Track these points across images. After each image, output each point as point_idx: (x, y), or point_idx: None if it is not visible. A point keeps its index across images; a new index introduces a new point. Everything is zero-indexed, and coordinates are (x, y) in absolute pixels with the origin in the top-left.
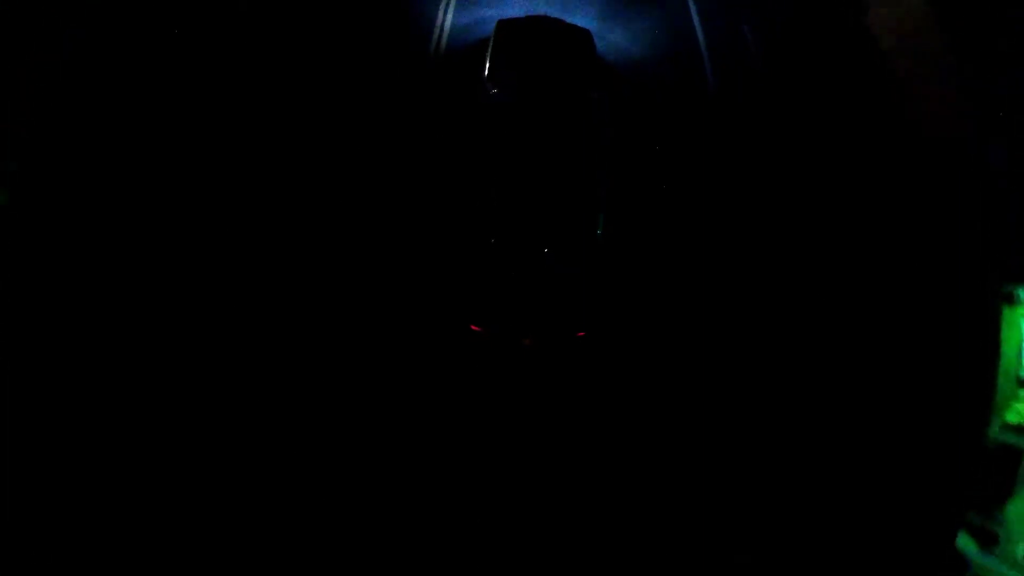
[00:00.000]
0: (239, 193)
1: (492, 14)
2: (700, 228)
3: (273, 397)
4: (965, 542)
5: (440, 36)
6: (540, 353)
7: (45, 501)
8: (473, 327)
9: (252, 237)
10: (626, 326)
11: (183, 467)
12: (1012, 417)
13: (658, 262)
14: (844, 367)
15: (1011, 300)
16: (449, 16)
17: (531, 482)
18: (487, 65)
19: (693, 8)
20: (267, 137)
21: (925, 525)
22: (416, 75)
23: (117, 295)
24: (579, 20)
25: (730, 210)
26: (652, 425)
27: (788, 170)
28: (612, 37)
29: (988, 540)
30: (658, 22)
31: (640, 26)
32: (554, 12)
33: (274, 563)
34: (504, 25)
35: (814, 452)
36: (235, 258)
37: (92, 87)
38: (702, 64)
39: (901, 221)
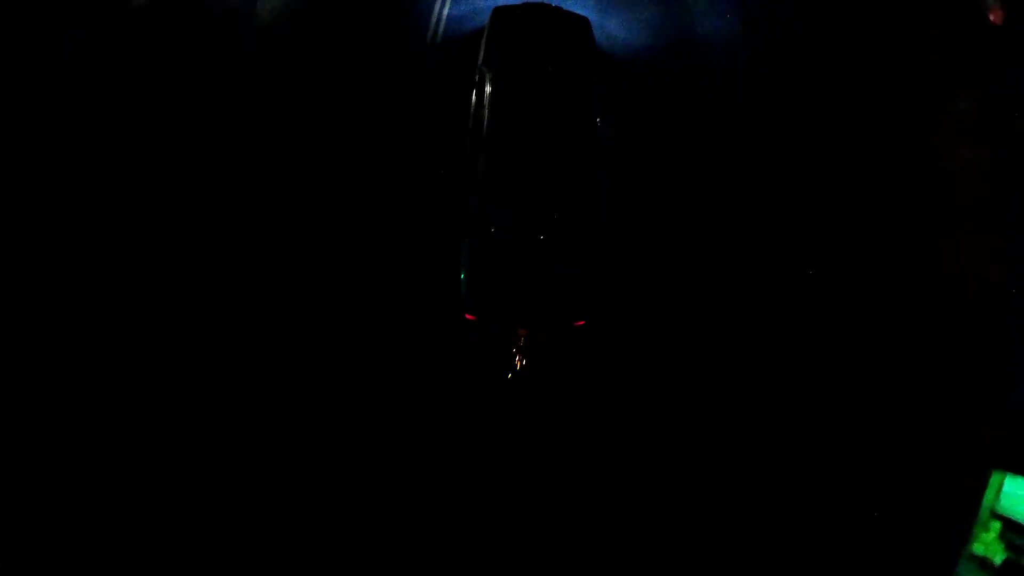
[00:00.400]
0: (238, 178)
1: (491, 3)
2: (699, 220)
3: (266, 384)
4: None
5: (437, 26)
6: (536, 342)
7: (44, 501)
8: (468, 316)
9: (249, 223)
10: (626, 316)
11: (171, 463)
12: (978, 548)
13: (657, 253)
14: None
15: None
16: (447, 6)
17: (528, 466)
18: (481, 52)
19: None
20: (265, 130)
21: None
22: (413, 65)
23: (115, 295)
24: (577, 8)
25: (729, 202)
26: (651, 415)
27: (787, 163)
28: (611, 26)
29: None
30: (657, 11)
31: (639, 15)
32: None
33: (264, 557)
34: (500, 12)
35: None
36: (231, 242)
37: (91, 87)
38: (702, 55)
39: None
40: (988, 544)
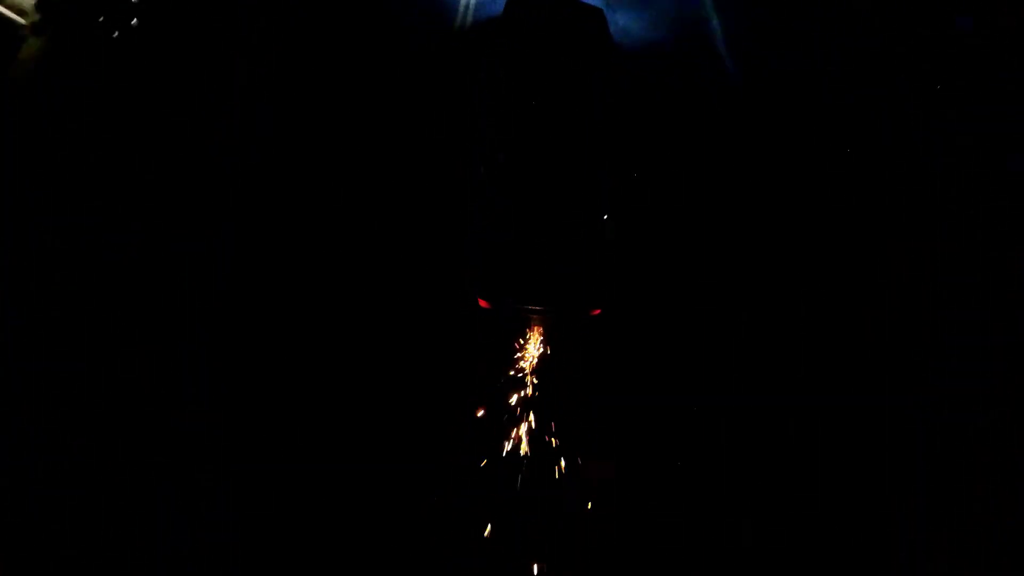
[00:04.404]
0: (246, 171)
1: None
2: (711, 220)
3: (272, 383)
4: None
5: (466, 11)
6: (551, 332)
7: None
8: (482, 303)
9: (258, 216)
10: (642, 306)
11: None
12: None
13: (666, 247)
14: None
15: None
16: None
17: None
18: (496, 42)
19: None
20: (278, 119)
21: None
22: (437, 53)
23: (112, 295)
24: None
25: (737, 198)
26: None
27: (795, 161)
28: (622, 20)
29: None
30: (671, 6)
31: (654, 8)
32: None
33: (264, 556)
34: (514, 1)
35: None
36: (238, 239)
37: (76, 83)
38: (713, 51)
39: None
40: None
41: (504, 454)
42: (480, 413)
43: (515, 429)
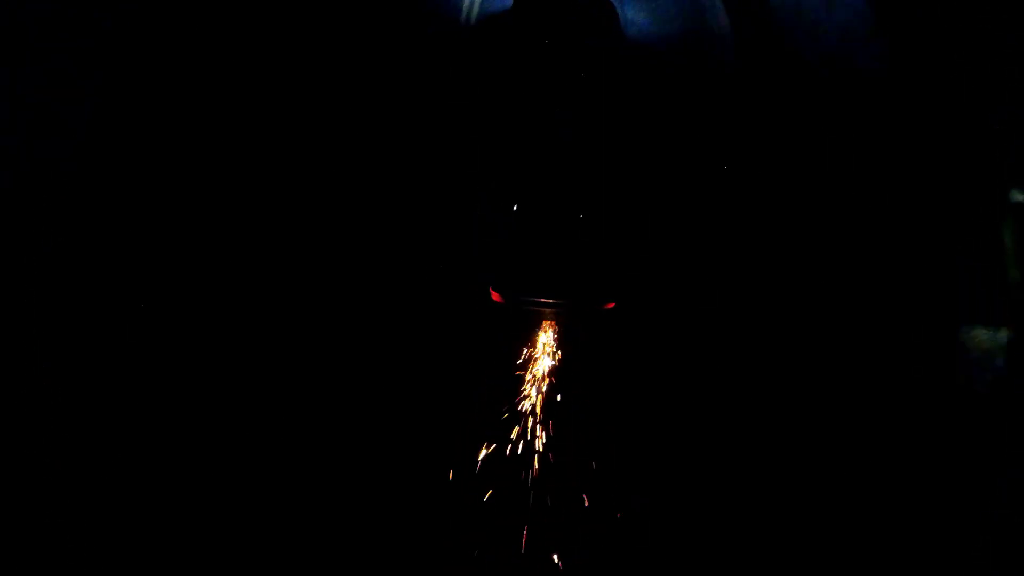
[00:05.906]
0: (245, 174)
1: None
2: (727, 210)
3: (275, 385)
4: None
5: (472, 3)
6: (565, 326)
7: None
8: (493, 295)
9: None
10: (654, 301)
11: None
12: None
13: (681, 246)
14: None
15: None
16: None
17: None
18: (505, 34)
19: None
20: (280, 118)
21: None
22: (443, 46)
23: (115, 296)
24: None
25: (756, 192)
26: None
27: (810, 160)
28: (631, 12)
29: None
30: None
31: (659, 2)
32: None
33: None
34: None
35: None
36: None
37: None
38: (721, 47)
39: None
40: None
41: (512, 455)
42: (488, 412)
43: (524, 429)
